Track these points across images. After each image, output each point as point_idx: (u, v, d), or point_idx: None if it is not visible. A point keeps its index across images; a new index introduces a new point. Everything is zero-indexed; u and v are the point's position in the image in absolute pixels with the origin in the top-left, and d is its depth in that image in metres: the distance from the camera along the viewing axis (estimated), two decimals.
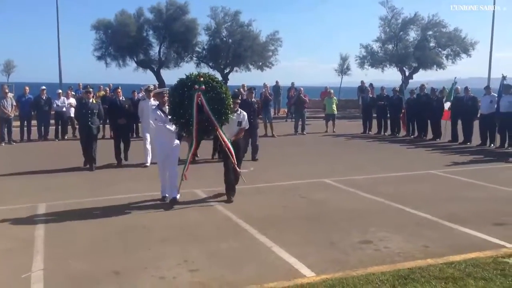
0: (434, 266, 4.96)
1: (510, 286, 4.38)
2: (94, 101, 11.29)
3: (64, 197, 8.36)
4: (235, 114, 8.03)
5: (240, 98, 8.73)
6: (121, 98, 11.94)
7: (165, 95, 7.97)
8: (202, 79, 7.41)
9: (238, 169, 8.10)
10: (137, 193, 8.56)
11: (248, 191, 8.63)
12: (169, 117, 7.62)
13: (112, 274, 5.02)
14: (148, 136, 11.41)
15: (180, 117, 7.38)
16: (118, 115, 11.56)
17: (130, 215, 7.22)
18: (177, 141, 8.07)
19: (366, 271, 4.89)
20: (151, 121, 8.53)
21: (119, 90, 12.03)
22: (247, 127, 8.57)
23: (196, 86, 7.30)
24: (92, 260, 5.42)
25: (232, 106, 7.75)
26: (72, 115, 15.86)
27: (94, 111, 10.98)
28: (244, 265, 5.28)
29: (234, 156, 7.91)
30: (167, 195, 8.02)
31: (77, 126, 14.28)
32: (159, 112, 7.86)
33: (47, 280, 4.87)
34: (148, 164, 11.36)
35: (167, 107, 7.79)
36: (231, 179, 8.15)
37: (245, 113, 8.41)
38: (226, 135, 7.80)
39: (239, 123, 8.25)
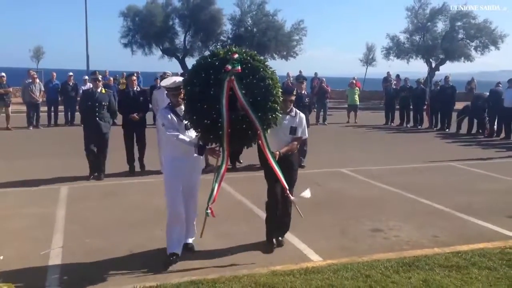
0: (440, 254, 5.02)
1: None
2: (103, 91, 8.84)
3: (86, 179, 8.65)
4: (287, 116, 5.49)
5: (295, 93, 5.81)
6: (135, 88, 9.21)
7: (182, 91, 5.03)
8: (236, 55, 4.75)
9: (291, 196, 5.26)
10: (157, 178, 8.78)
11: (261, 175, 8.74)
12: (186, 120, 4.99)
13: (127, 252, 5.23)
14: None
15: (203, 117, 4.71)
16: (130, 110, 9.00)
17: (147, 198, 7.43)
18: (198, 157, 5.23)
19: (372, 257, 4.99)
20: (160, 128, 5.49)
21: (134, 78, 9.38)
22: (305, 137, 5.89)
23: (229, 67, 4.64)
24: (109, 239, 5.66)
25: (281, 99, 4.95)
26: None
27: (103, 103, 8.66)
28: (254, 248, 5.42)
29: (283, 179, 5.10)
30: (177, 251, 5.11)
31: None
32: (170, 116, 5.07)
33: (65, 257, 5.11)
34: None
35: (182, 107, 5.08)
36: (275, 213, 5.51)
37: (302, 116, 5.67)
38: (269, 147, 5.03)
39: (293, 130, 5.53)
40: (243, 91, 4.68)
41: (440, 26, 33.36)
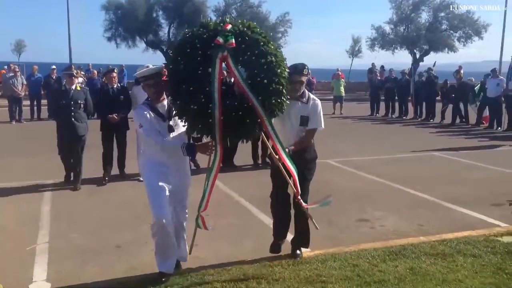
0: (426, 243, 5.08)
1: (498, 263, 4.49)
2: (78, 88, 7.72)
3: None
4: (297, 103, 4.59)
5: (306, 72, 4.62)
6: (115, 86, 8.17)
7: (162, 80, 4.20)
8: (230, 26, 3.95)
9: (304, 204, 4.51)
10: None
11: (250, 171, 8.77)
12: (171, 103, 4.10)
13: (114, 247, 5.20)
14: None
15: (189, 101, 3.88)
16: (109, 110, 7.95)
17: (135, 192, 7.38)
18: (186, 160, 4.47)
19: (359, 247, 5.03)
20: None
21: (114, 75, 8.29)
22: (321, 128, 4.82)
23: (220, 40, 3.83)
24: (95, 234, 5.61)
25: (287, 80, 4.07)
26: None
27: (79, 101, 7.58)
28: (242, 241, 5.43)
29: (297, 181, 4.36)
30: (169, 270, 4.37)
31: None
32: (148, 114, 4.20)
33: (51, 252, 5.06)
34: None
35: (165, 103, 4.29)
36: (281, 212, 4.88)
37: (317, 102, 4.70)
38: (278, 137, 4.17)
39: (304, 120, 4.60)
40: (240, 70, 3.94)
41: (424, 17, 33.72)
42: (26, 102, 16.63)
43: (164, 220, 4.16)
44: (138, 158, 5.65)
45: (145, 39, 30.62)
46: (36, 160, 9.78)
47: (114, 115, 7.92)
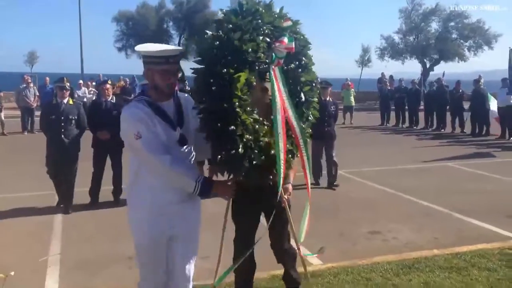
0: (440, 256, 5.02)
1: None
2: (71, 102, 7.09)
3: (84, 184, 8.57)
4: None
5: None
6: (109, 99, 7.44)
7: (175, 78, 2.83)
8: (288, 23, 2.99)
9: (303, 255, 3.98)
10: None
11: None
12: (201, 131, 2.78)
13: (126, 259, 5.18)
14: None
15: (225, 126, 2.69)
16: (101, 125, 7.17)
17: None
18: (196, 201, 3.17)
19: (372, 260, 4.97)
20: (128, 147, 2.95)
21: (107, 86, 7.47)
22: None
23: (285, 41, 2.86)
24: (108, 245, 5.63)
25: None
26: None
27: (70, 117, 6.92)
28: (255, 253, 5.39)
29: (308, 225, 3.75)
30: None
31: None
32: (147, 116, 2.75)
33: (63, 263, 5.08)
34: None
35: (172, 101, 2.90)
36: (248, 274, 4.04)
37: None
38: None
39: None
40: (284, 84, 2.95)
41: (434, 26, 33.75)
42: (38, 113, 16.79)
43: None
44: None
45: None
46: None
47: (105, 132, 7.15)
